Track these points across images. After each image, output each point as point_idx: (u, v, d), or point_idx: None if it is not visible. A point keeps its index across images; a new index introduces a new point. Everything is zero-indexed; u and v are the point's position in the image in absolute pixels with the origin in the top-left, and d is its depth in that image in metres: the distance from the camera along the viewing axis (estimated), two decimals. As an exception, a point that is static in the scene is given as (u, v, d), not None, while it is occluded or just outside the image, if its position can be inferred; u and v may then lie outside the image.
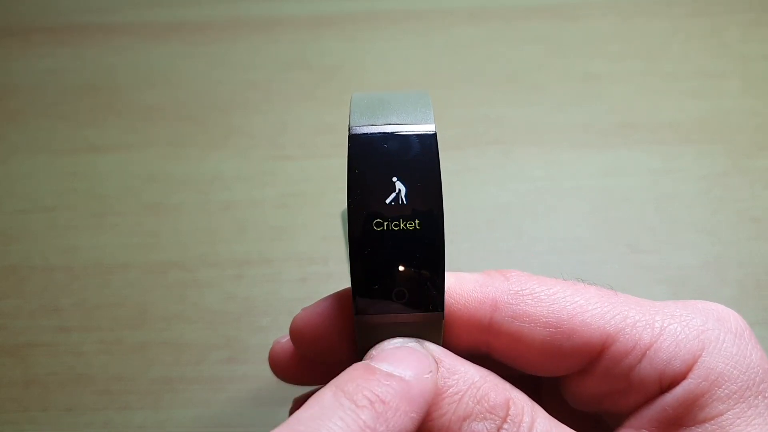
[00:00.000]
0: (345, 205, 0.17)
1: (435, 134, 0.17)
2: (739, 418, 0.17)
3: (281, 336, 0.22)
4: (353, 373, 0.16)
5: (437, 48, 0.41)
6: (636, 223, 0.35)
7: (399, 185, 0.16)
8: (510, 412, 0.17)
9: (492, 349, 0.19)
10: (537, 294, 0.18)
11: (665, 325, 0.18)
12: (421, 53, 0.41)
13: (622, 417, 0.19)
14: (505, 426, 0.16)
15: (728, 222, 0.35)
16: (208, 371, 0.32)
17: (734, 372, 0.17)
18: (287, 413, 0.24)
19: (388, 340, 0.17)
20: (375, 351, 0.17)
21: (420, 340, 0.18)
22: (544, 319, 0.18)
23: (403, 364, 0.16)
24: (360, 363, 0.16)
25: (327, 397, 0.15)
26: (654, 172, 0.36)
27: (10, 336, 0.33)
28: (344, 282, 0.20)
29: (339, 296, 0.19)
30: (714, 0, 0.42)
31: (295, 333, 0.19)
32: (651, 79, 0.39)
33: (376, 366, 0.16)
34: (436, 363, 0.17)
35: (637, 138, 0.37)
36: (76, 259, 0.35)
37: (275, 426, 0.15)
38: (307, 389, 0.24)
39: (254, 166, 0.37)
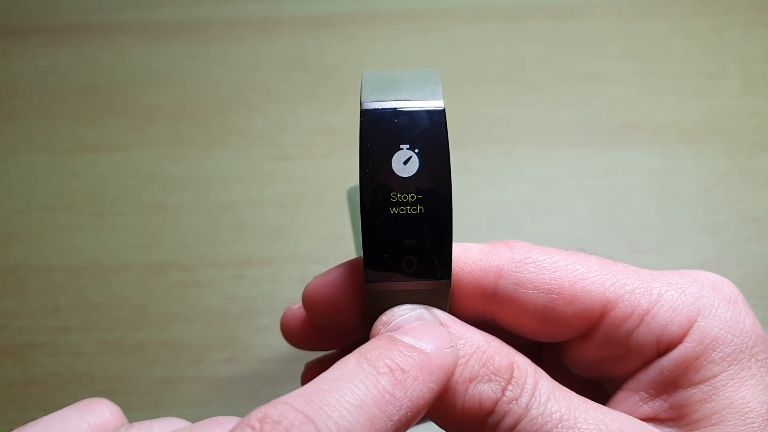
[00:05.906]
0: (349, 185, 0.17)
1: (444, 110, 0.17)
2: (732, 379, 0.17)
3: (293, 303, 0.22)
4: (377, 343, 0.17)
5: (437, 48, 0.41)
6: (636, 223, 0.35)
7: (409, 158, 0.17)
8: (514, 375, 0.17)
9: (496, 315, 0.19)
10: (539, 262, 0.19)
11: (662, 292, 0.18)
12: (421, 53, 0.41)
13: (621, 382, 0.19)
14: (510, 387, 0.17)
15: (728, 222, 0.35)
16: (208, 371, 0.32)
17: (728, 336, 0.18)
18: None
19: (398, 307, 0.18)
20: (386, 317, 0.18)
21: (428, 306, 0.18)
22: (546, 286, 0.18)
23: (425, 338, 0.17)
24: (384, 334, 0.17)
25: (351, 362, 0.16)
26: (654, 172, 0.36)
27: (10, 336, 0.33)
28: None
29: (350, 265, 0.20)
30: (714, 0, 0.42)
31: (307, 300, 0.20)
32: (651, 79, 0.39)
33: (400, 338, 0.17)
34: (456, 340, 0.18)
35: (637, 138, 0.37)
36: (76, 259, 0.35)
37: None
38: (318, 355, 0.24)
39: (254, 166, 0.37)
